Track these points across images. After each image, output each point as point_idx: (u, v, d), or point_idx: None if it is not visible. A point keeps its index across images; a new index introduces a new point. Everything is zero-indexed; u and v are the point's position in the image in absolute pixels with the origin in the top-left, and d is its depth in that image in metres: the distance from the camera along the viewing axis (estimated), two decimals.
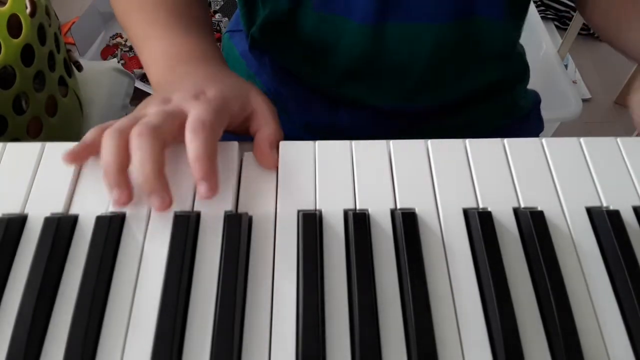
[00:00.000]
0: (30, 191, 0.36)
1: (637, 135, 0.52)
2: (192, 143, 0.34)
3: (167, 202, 0.33)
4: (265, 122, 0.40)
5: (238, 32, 0.66)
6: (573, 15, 1.37)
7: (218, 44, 0.60)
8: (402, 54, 0.51)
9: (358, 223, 0.34)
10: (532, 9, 1.34)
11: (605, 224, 0.35)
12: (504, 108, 0.61)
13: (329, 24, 0.50)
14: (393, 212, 0.35)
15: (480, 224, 0.34)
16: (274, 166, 0.37)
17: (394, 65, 0.52)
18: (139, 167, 0.33)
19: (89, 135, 0.36)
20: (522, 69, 0.63)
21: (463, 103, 0.59)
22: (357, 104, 0.57)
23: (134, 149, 0.33)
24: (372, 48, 0.50)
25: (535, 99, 0.66)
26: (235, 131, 0.41)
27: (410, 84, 0.54)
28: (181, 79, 0.41)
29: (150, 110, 0.37)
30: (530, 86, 0.67)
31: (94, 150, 0.36)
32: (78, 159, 0.36)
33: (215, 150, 0.35)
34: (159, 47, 0.46)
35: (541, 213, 0.35)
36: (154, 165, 0.33)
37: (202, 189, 0.33)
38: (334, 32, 0.50)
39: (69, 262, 0.33)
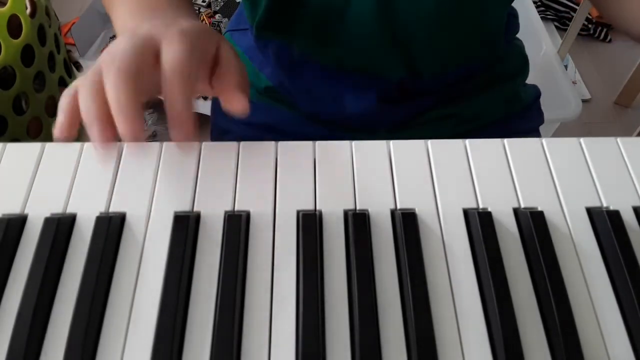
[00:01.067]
0: (30, 191, 0.36)
1: (637, 136, 0.52)
2: (171, 96, 0.32)
3: (136, 130, 0.32)
4: (228, 71, 0.37)
5: (238, 31, 0.66)
6: (573, 16, 1.37)
7: None
8: (408, 15, 0.51)
9: (358, 223, 0.34)
10: (532, 9, 1.34)
11: (605, 224, 0.35)
12: (505, 98, 0.62)
13: None
14: (393, 212, 0.35)
15: (480, 224, 0.34)
16: (244, 109, 0.36)
17: (400, 30, 0.52)
18: (114, 102, 0.32)
19: (64, 100, 0.34)
20: (521, 61, 0.65)
21: (466, 92, 0.59)
22: (364, 81, 0.57)
23: (107, 90, 0.32)
24: (380, 11, 0.50)
25: (536, 93, 0.67)
26: (206, 90, 0.39)
27: (416, 49, 0.54)
28: (148, 20, 0.39)
29: (119, 47, 0.34)
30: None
31: (76, 111, 0.34)
32: (68, 128, 0.34)
33: (192, 101, 0.33)
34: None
35: (541, 213, 0.35)
36: (128, 94, 0.32)
37: (177, 139, 0.33)
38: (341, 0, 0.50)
39: (69, 262, 0.33)
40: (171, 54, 0.33)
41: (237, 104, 0.36)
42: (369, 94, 0.58)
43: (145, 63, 0.33)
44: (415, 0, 0.50)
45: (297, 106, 0.61)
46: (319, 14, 0.52)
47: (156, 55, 0.34)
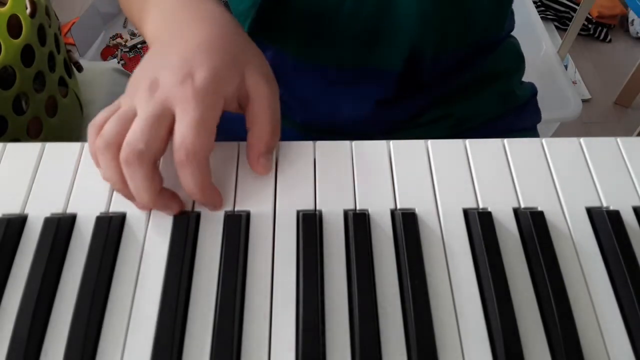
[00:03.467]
0: (30, 191, 0.36)
1: (637, 136, 0.52)
2: (185, 178, 0.33)
3: (176, 212, 0.35)
4: (258, 119, 0.36)
5: None
6: (573, 16, 1.37)
7: None
8: (406, 8, 0.50)
9: (358, 223, 0.34)
10: (532, 9, 1.34)
11: (605, 224, 0.35)
12: (500, 96, 0.62)
13: None
14: (393, 212, 0.35)
15: (480, 224, 0.34)
16: (264, 173, 0.37)
17: (397, 23, 0.51)
18: (137, 196, 0.33)
19: (91, 146, 0.35)
20: (517, 58, 0.65)
21: (461, 90, 0.59)
22: (362, 87, 0.56)
23: (127, 178, 0.33)
24: (378, 5, 0.50)
25: (532, 90, 0.67)
26: (232, 111, 0.38)
27: (417, 27, 0.53)
28: (171, 45, 0.38)
29: (137, 103, 0.35)
30: None
31: None
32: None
33: (208, 173, 0.34)
34: (157, 6, 0.44)
35: (541, 213, 0.35)
36: (150, 191, 0.33)
37: (208, 208, 0.36)
38: None
39: (69, 262, 0.33)
40: (180, 137, 0.33)
41: (257, 169, 0.37)
42: (367, 99, 0.57)
43: (159, 142, 0.34)
44: None
45: (290, 117, 0.60)
46: (310, 14, 0.52)
47: (170, 129, 0.34)
